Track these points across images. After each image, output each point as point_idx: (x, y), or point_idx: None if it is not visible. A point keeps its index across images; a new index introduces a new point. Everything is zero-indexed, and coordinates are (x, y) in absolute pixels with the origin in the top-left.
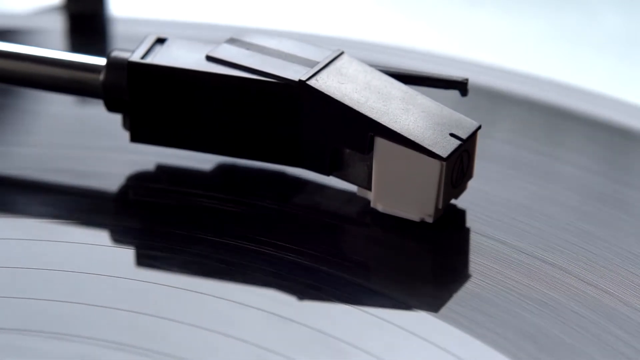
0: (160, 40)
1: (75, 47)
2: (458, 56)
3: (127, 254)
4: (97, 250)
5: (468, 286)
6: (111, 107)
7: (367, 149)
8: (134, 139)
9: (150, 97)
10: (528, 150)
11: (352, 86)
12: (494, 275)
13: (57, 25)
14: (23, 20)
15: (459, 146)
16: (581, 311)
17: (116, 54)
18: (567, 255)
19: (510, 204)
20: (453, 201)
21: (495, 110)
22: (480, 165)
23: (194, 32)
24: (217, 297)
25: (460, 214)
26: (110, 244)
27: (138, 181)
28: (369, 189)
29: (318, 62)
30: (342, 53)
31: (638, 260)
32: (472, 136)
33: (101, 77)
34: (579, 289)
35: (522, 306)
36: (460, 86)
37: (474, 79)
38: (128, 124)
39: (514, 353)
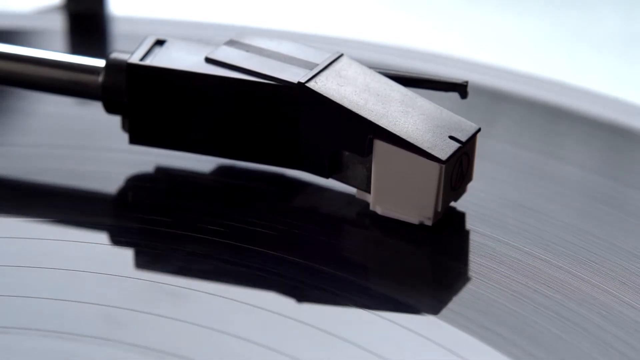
0: (160, 42)
1: (75, 47)
2: (457, 56)
3: (126, 254)
4: (96, 251)
5: (468, 287)
6: (110, 109)
7: (366, 152)
8: (133, 141)
9: (149, 99)
10: (528, 150)
11: (352, 88)
12: (494, 276)
13: (57, 25)
14: (23, 20)
15: (458, 149)
16: (581, 311)
17: (115, 55)
18: (567, 255)
19: (510, 204)
20: (452, 203)
21: (495, 110)
22: (479, 165)
23: (193, 32)
24: (216, 298)
25: (460, 216)
26: (109, 245)
27: (137, 182)
28: (368, 191)
29: (317, 64)
30: (341, 55)
31: (638, 260)
32: (472, 139)
33: (100, 78)
34: (579, 289)
35: (522, 306)
36: (460, 89)
37: (474, 78)
38: (127, 126)
39: (514, 353)
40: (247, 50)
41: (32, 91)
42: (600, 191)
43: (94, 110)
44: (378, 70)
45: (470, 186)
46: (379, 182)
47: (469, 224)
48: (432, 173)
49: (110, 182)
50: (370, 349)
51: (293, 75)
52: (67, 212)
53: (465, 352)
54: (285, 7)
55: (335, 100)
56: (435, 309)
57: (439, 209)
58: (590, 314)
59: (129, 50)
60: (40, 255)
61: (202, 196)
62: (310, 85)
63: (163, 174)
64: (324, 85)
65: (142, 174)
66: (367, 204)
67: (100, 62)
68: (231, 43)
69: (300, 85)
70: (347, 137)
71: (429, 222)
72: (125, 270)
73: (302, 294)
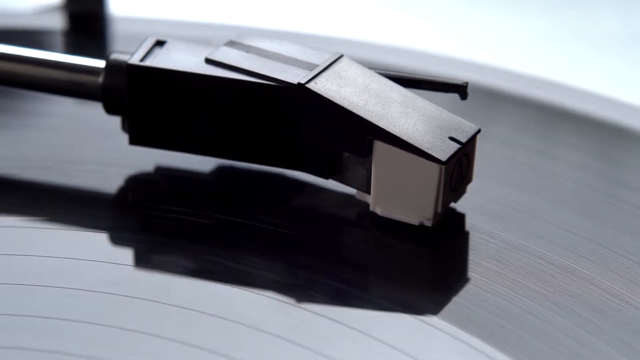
0: (160, 43)
1: (75, 47)
2: (457, 56)
3: (126, 254)
4: (95, 253)
5: (468, 288)
6: (110, 110)
7: (366, 153)
8: (133, 141)
9: (149, 99)
10: (528, 151)
11: (352, 89)
12: (494, 276)
13: (57, 25)
14: (23, 20)
15: (458, 150)
16: (582, 311)
17: (115, 56)
18: (567, 254)
19: (510, 205)
20: (452, 204)
21: (494, 110)
22: (479, 166)
23: (194, 32)
24: (216, 299)
25: (460, 217)
26: (108, 246)
27: (137, 182)
28: (368, 192)
29: (317, 65)
30: (341, 56)
31: (637, 259)
32: (472, 140)
33: (100, 79)
34: (579, 289)
35: (522, 306)
36: (460, 89)
37: (473, 78)
38: (127, 127)
39: (514, 353)
40: (247, 51)
41: (32, 91)
42: (599, 191)
43: (94, 110)
44: (378, 71)
45: (470, 187)
46: (379, 183)
47: (469, 225)
48: (432, 174)
49: (110, 182)
50: (370, 349)
51: (293, 76)
52: (67, 212)
53: (466, 352)
54: (285, 7)
55: (335, 101)
56: (435, 309)
57: (439, 210)
58: (590, 314)
59: (129, 51)
60: (39, 254)
61: (202, 197)
62: (310, 86)
63: (163, 174)
64: (324, 86)
65: (142, 174)
66: (367, 205)
67: (100, 63)
68: (231, 44)
69: (300, 86)
70: (347, 138)
71: (428, 223)
72: (125, 270)
73: (301, 295)
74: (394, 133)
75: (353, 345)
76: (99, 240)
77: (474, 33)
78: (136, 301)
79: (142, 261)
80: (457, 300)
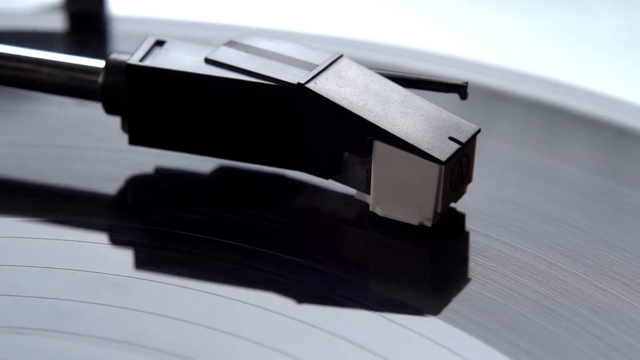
0: (159, 43)
1: (75, 47)
2: (457, 55)
3: (126, 255)
4: (95, 251)
5: (468, 287)
6: (110, 110)
7: (366, 153)
8: (133, 141)
9: (149, 99)
10: (528, 151)
11: (351, 89)
12: (494, 276)
13: (57, 24)
14: (23, 20)
15: (458, 150)
16: (582, 311)
17: (115, 56)
18: (567, 255)
19: (510, 204)
20: (452, 204)
21: (494, 110)
22: (479, 165)
23: (193, 32)
24: (216, 298)
25: (460, 217)
26: (108, 246)
27: (137, 183)
28: (368, 192)
29: (317, 65)
30: (341, 56)
31: (638, 260)
32: (472, 140)
33: (100, 79)
34: (579, 289)
35: (522, 306)
36: (460, 89)
37: (474, 78)
38: (127, 127)
39: (514, 353)
40: (247, 51)
41: (32, 91)
42: (600, 191)
43: (94, 110)
44: (378, 71)
45: (470, 187)
46: (379, 183)
47: (469, 225)
48: (432, 174)
49: (110, 182)
50: (370, 349)
51: (293, 76)
52: (67, 212)
53: (465, 352)
54: (284, 6)
55: (334, 101)
56: (435, 309)
57: (439, 210)
58: (590, 314)
59: (128, 51)
60: (39, 255)
61: (202, 197)
62: (310, 86)
63: (163, 174)
64: (323, 86)
65: (142, 174)
66: (367, 205)
67: (99, 63)
68: (231, 44)
69: (300, 86)
70: (346, 137)
71: (428, 223)
72: (125, 270)
73: (302, 295)
74: (394, 133)
75: (352, 345)
76: (99, 239)
77: (474, 32)
78: (136, 303)
79: (142, 262)
80: (457, 300)
